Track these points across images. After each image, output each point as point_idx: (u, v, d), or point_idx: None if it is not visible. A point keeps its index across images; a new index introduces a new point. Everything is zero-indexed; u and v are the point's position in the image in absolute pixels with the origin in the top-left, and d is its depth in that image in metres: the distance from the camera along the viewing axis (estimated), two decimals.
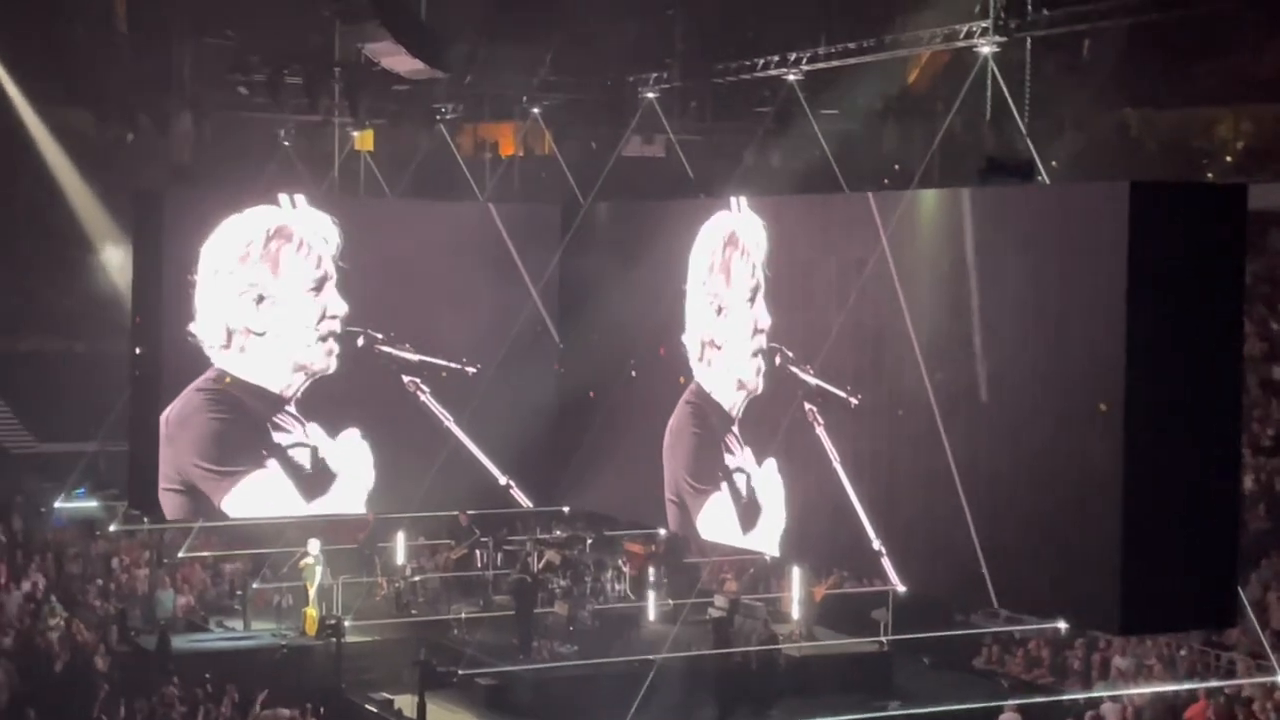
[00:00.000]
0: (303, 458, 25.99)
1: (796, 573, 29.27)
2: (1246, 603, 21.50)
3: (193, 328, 25.38)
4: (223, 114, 27.76)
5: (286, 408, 25.89)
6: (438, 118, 28.46)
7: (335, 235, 26.02)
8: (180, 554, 30.50)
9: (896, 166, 25.62)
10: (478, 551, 30.62)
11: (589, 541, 30.77)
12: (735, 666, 27.25)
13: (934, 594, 24.43)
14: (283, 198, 25.95)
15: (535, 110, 28.03)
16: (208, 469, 25.50)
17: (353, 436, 26.29)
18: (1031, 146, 19.72)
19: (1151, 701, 25.37)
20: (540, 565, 29.58)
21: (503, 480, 27.36)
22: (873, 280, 20.84)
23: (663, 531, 28.14)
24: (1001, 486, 19.05)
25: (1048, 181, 20.14)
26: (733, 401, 23.73)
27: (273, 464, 25.82)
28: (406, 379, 26.62)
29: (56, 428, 36.01)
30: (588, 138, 28.32)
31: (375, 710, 26.12)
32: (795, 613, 29.45)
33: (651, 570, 30.28)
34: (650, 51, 26.69)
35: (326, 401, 26.07)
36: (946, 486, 19.58)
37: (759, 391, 23.20)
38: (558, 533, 31.17)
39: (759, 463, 23.13)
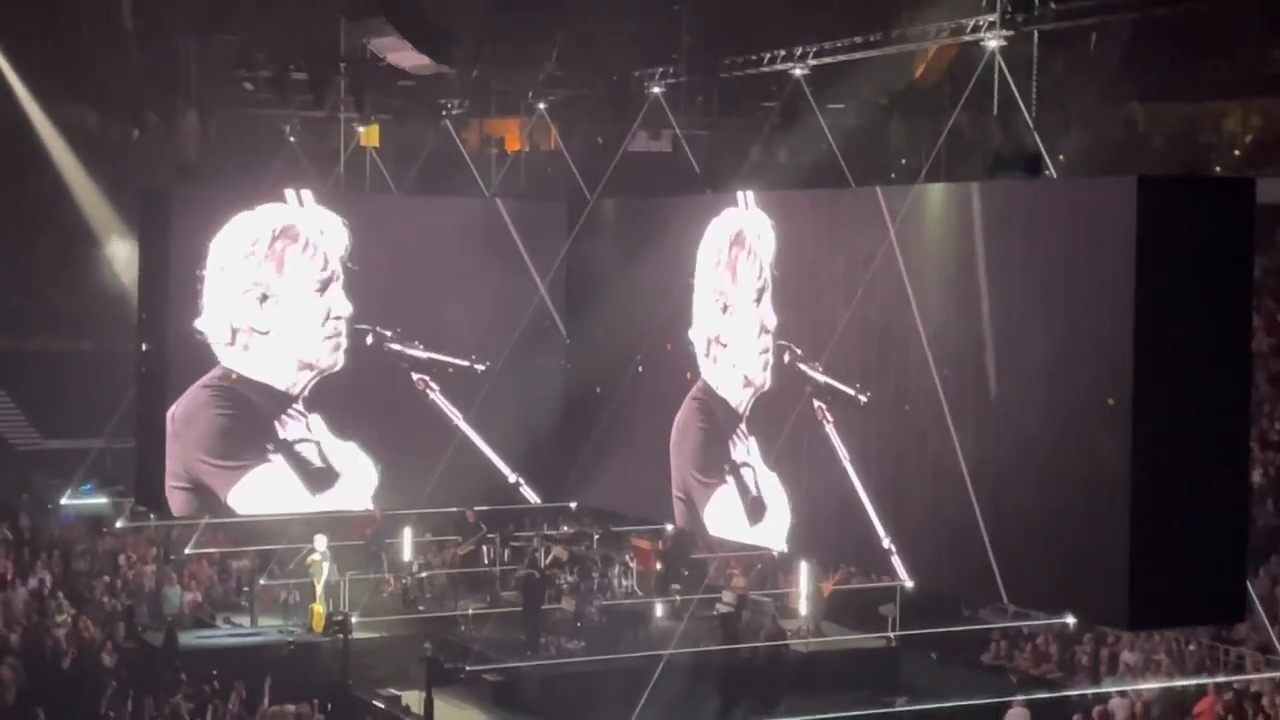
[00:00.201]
0: (309, 453, 25.97)
1: (804, 568, 29.28)
2: (1255, 597, 21.44)
3: (199, 324, 25.38)
4: (228, 111, 27.68)
5: (294, 405, 25.87)
6: (443, 113, 28.38)
7: (344, 236, 26.01)
8: (187, 550, 30.55)
9: (904, 161, 25.55)
10: (485, 547, 30.63)
11: (596, 537, 30.81)
12: (742, 662, 27.24)
13: (942, 589, 24.40)
14: (289, 194, 25.96)
15: (541, 106, 27.98)
16: (214, 464, 25.47)
17: (352, 449, 26.23)
18: (1039, 141, 19.69)
19: (1160, 697, 25.36)
20: (548, 561, 29.55)
21: (511, 477, 27.34)
22: (880, 276, 20.81)
23: (670, 527, 28.12)
24: (1010, 481, 19.02)
25: (1055, 176, 20.12)
26: (740, 399, 23.69)
27: (278, 459, 25.79)
28: (416, 377, 26.59)
29: (63, 424, 36.02)
30: (594, 133, 28.26)
31: (382, 706, 26.08)
32: (803, 608, 29.48)
33: (659, 565, 30.29)
34: (656, 46, 26.63)
35: (334, 399, 26.04)
36: (955, 482, 19.55)
37: (766, 388, 23.18)
38: (565, 529, 31.20)
39: (766, 458, 23.11)
